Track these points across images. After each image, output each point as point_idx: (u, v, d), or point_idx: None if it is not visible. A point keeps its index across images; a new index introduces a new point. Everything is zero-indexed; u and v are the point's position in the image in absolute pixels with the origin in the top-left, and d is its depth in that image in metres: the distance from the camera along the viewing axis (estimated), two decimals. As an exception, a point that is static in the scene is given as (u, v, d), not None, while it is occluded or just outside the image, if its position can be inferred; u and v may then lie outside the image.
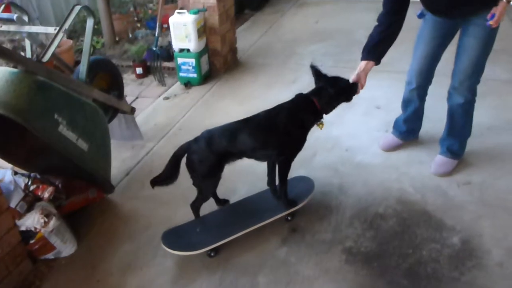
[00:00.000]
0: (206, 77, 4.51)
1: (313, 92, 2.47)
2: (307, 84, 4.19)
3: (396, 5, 2.50)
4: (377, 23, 2.56)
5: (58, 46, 2.63)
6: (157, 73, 4.49)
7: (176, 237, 2.47)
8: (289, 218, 2.64)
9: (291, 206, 2.60)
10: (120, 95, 3.25)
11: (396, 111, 3.69)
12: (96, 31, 5.26)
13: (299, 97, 2.49)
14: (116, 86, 3.23)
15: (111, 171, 2.84)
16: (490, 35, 2.58)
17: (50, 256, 2.46)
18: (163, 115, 3.93)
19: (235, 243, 2.47)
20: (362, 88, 2.54)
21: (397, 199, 2.78)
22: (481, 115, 3.41)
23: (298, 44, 5.32)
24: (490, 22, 2.45)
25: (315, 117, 2.47)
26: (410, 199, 2.78)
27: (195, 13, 4.16)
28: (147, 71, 4.71)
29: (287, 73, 4.56)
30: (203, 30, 4.33)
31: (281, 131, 2.41)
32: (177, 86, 4.44)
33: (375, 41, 2.53)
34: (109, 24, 5.19)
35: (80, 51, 4.90)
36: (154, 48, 4.45)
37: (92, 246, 2.58)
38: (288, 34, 5.71)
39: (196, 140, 2.38)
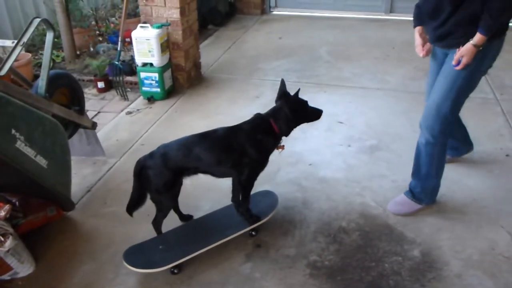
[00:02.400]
0: (170, 92, 4.48)
1: (270, 114, 2.46)
2: (270, 99, 4.22)
3: None
4: None
5: (16, 60, 2.57)
6: (119, 88, 4.43)
7: (138, 255, 2.42)
8: (253, 233, 2.63)
9: (254, 221, 2.60)
10: (81, 110, 3.18)
11: (358, 126, 3.79)
12: (56, 45, 5.16)
13: (257, 119, 2.47)
14: (76, 101, 3.17)
15: (71, 188, 2.76)
16: (456, 77, 2.43)
17: (6, 277, 2.36)
18: (126, 130, 3.88)
19: (199, 259, 2.44)
20: (426, 53, 2.62)
21: (360, 213, 2.82)
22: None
23: (261, 60, 5.37)
24: (453, 62, 2.38)
25: (275, 140, 2.46)
26: (372, 212, 2.83)
27: (158, 27, 4.14)
28: (109, 86, 4.64)
29: (250, 88, 4.59)
30: (167, 45, 4.31)
31: (238, 151, 2.39)
32: (140, 101, 4.40)
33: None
34: (70, 38, 5.10)
35: (39, 65, 4.79)
36: (116, 63, 4.39)
37: (51, 266, 2.49)
38: (252, 50, 5.76)
39: (151, 155, 2.36)
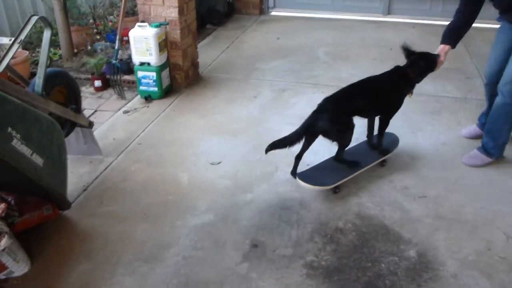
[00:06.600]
0: (167, 92, 4.47)
1: (407, 65, 3.07)
2: (268, 99, 4.25)
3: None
4: (456, 12, 3.02)
5: (13, 57, 2.56)
6: (116, 87, 4.42)
7: (309, 178, 2.96)
8: (384, 164, 3.26)
9: (385, 153, 3.25)
10: (78, 109, 3.17)
11: (357, 126, 3.78)
12: (54, 43, 5.14)
13: (398, 70, 3.09)
14: (73, 99, 3.16)
15: (67, 186, 2.75)
16: None
17: (1, 276, 2.35)
18: (123, 129, 3.87)
19: (195, 259, 2.44)
20: (442, 63, 3.06)
21: (356, 213, 2.82)
22: (435, 131, 3.54)
23: (259, 60, 5.37)
24: None
25: (410, 86, 3.09)
26: (369, 213, 2.83)
27: (156, 26, 4.14)
28: (106, 84, 4.63)
29: (248, 88, 4.59)
30: (165, 44, 4.31)
31: (384, 95, 3.05)
32: (137, 100, 4.39)
33: (452, 27, 3.03)
34: (67, 36, 5.08)
35: (36, 63, 4.79)
36: (114, 61, 4.38)
37: (47, 266, 2.48)
38: (250, 50, 5.76)
39: (322, 105, 2.90)
